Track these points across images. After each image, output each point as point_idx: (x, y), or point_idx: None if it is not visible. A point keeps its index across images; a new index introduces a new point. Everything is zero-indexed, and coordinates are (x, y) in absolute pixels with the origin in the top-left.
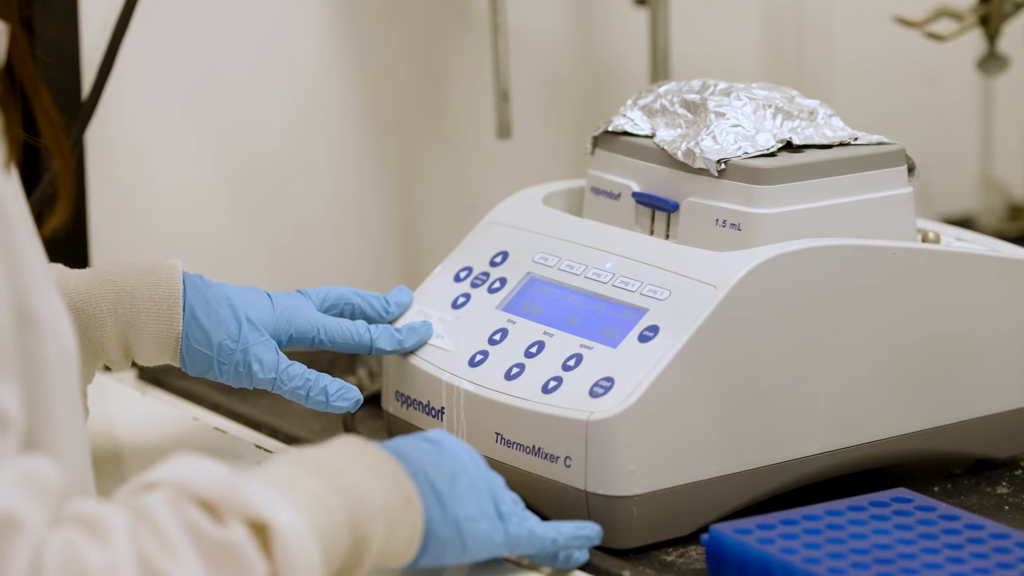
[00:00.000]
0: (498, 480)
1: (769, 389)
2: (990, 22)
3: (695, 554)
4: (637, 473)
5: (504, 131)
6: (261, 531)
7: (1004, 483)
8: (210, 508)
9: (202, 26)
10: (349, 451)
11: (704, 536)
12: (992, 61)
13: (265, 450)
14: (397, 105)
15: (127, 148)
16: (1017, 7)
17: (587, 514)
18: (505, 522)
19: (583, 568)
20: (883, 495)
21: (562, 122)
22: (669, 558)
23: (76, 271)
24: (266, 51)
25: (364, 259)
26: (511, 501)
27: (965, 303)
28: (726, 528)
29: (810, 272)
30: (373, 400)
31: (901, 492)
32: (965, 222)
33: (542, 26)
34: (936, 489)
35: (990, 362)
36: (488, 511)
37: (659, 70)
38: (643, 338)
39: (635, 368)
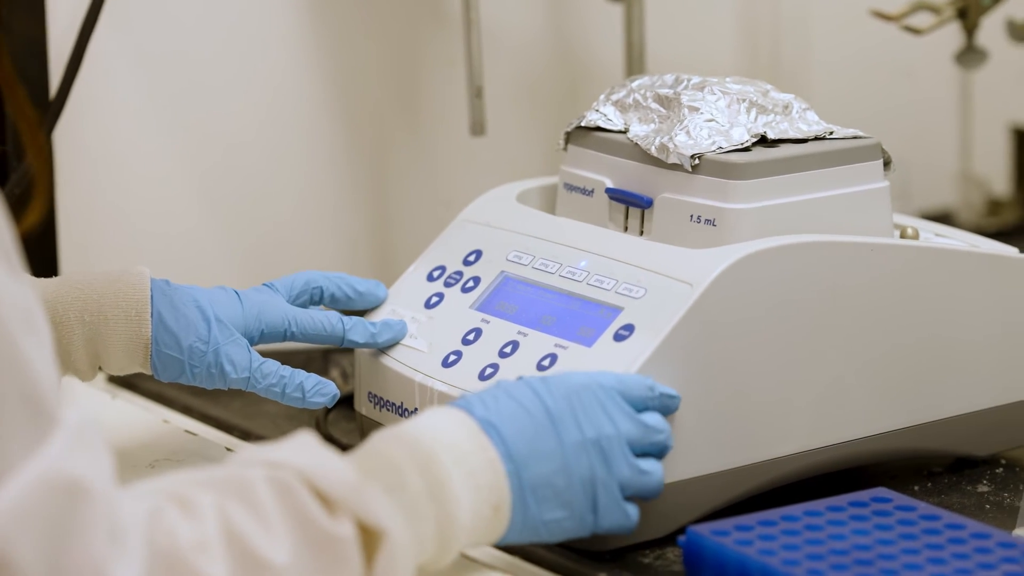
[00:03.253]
0: (619, 466)
1: (746, 388)
2: (968, 15)
3: (672, 556)
4: None
5: (477, 128)
6: (365, 533)
7: (985, 481)
8: (325, 500)
9: (173, 22)
10: (459, 448)
11: (681, 538)
12: (970, 55)
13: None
14: (370, 101)
15: (96, 146)
16: (995, 0)
17: None
18: (598, 517)
19: (557, 570)
20: (863, 495)
21: (537, 118)
22: (646, 560)
23: (44, 279)
24: (237, 46)
25: (337, 257)
26: (628, 472)
27: (944, 299)
28: (703, 529)
29: (787, 269)
30: (346, 401)
31: (881, 492)
32: (944, 217)
33: (516, 22)
34: (916, 488)
35: (970, 359)
36: (580, 509)
37: (634, 66)
38: (618, 337)
39: (610, 368)
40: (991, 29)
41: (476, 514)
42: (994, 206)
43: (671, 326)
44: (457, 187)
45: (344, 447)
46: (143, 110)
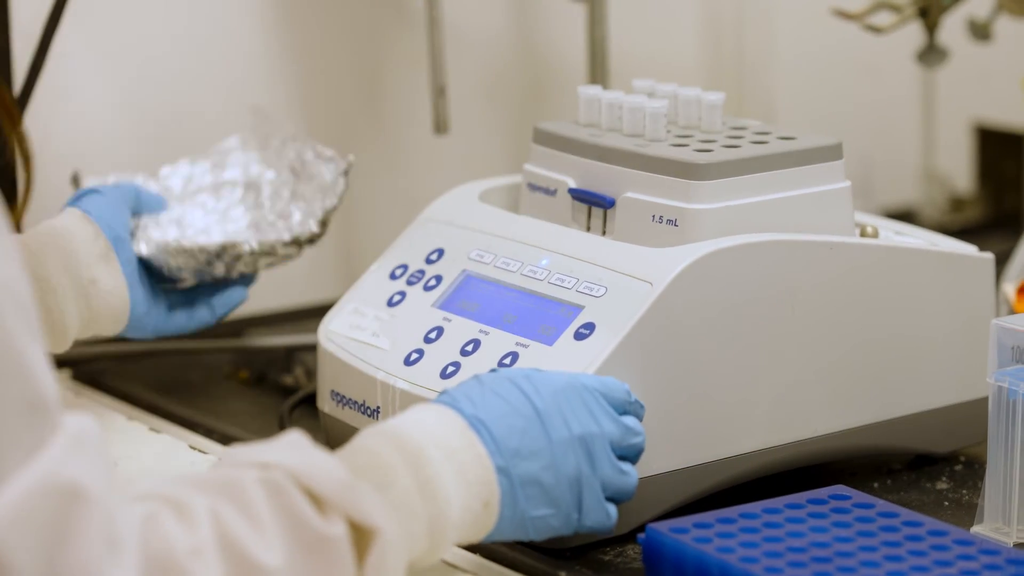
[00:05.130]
0: (602, 465)
1: (707, 386)
2: (929, 14)
3: (632, 553)
4: None
5: (441, 126)
6: (357, 531)
7: (944, 478)
8: (317, 500)
9: (137, 20)
10: (448, 445)
11: (641, 535)
12: (931, 53)
13: (199, 451)
14: (334, 100)
15: (60, 143)
16: None
17: None
18: (582, 515)
19: (518, 569)
20: (821, 492)
21: (500, 117)
22: (606, 558)
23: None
24: (201, 46)
25: (302, 255)
26: (611, 471)
27: (903, 297)
28: (663, 527)
29: (747, 268)
30: (309, 399)
31: (839, 489)
32: (907, 215)
33: (479, 21)
34: (876, 485)
35: (929, 357)
36: (566, 507)
37: (597, 65)
38: (579, 336)
39: (571, 366)
40: (952, 28)
41: (466, 510)
42: (957, 203)
43: (631, 325)
44: (421, 185)
45: None
46: (106, 111)
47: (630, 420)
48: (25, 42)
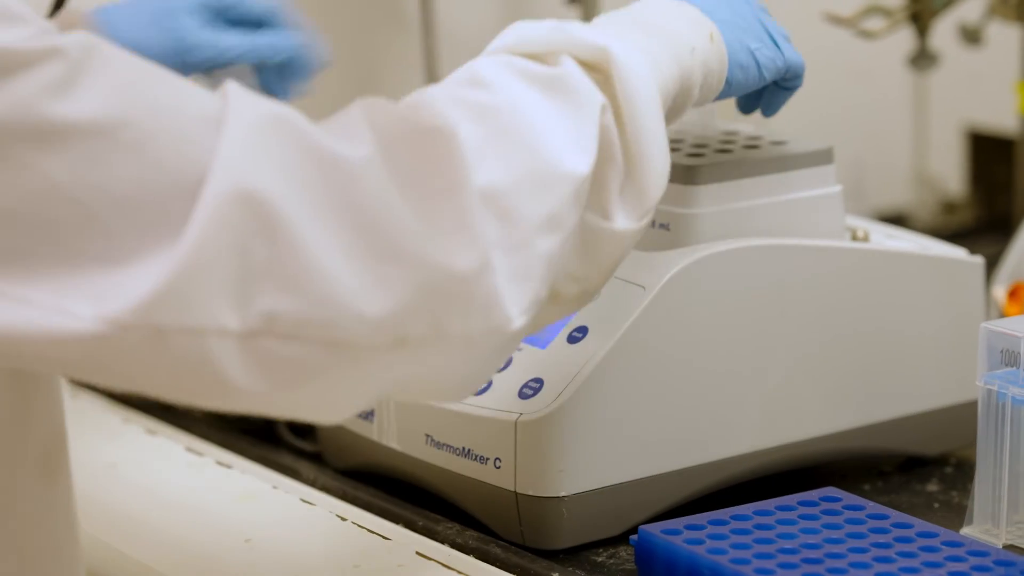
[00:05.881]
0: (761, 8)
1: (698, 389)
2: (920, 18)
3: (625, 554)
4: (567, 474)
5: None
6: (595, 71)
7: (934, 480)
8: (541, 58)
9: None
10: (654, 3)
11: (633, 537)
12: (923, 58)
13: (196, 453)
14: (328, 104)
15: None
16: (946, 3)
17: (517, 515)
18: (781, 48)
19: (511, 569)
20: (812, 494)
21: None
22: (599, 559)
23: None
24: None
25: None
26: (771, 22)
27: (894, 302)
28: (654, 528)
29: (739, 272)
30: None
31: (830, 491)
32: (899, 218)
33: (474, 24)
34: (867, 487)
35: (920, 360)
36: (766, 39)
37: None
38: (572, 339)
39: (564, 369)
40: (944, 32)
41: (694, 37)
42: (948, 207)
43: (624, 328)
44: None
45: (306, 455)
46: None
47: None
48: None
